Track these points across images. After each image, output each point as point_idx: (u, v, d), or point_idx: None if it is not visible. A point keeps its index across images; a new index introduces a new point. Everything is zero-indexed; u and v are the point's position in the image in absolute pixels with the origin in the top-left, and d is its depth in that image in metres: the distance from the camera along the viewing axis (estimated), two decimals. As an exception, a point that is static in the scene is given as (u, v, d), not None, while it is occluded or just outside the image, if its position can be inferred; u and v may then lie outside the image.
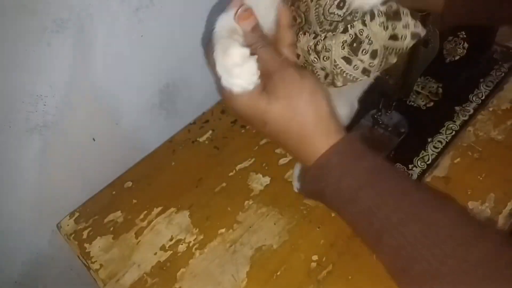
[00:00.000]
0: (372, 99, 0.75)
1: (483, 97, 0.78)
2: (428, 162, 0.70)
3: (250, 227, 0.66)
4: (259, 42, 0.41)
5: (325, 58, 0.44)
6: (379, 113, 0.75)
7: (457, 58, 0.80)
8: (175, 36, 0.72)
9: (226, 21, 0.42)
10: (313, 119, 0.40)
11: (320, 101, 0.41)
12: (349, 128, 0.76)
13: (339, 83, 0.45)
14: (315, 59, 0.45)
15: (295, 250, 0.63)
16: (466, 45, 0.78)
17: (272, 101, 0.40)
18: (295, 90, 0.40)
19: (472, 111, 0.76)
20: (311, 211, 0.67)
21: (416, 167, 0.70)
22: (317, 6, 0.42)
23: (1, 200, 0.65)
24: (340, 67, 0.44)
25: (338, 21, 0.42)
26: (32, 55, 0.55)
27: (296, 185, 0.69)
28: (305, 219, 0.66)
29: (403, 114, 0.77)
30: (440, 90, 0.80)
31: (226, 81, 0.40)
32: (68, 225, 0.70)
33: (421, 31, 0.45)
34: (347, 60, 0.44)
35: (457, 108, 0.77)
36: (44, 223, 0.72)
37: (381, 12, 0.42)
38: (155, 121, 0.80)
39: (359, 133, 0.42)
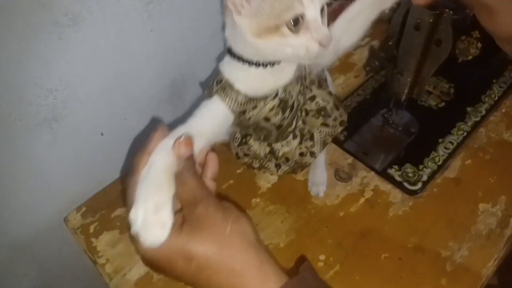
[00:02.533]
0: (383, 98, 0.74)
1: (496, 98, 0.77)
2: (438, 163, 0.69)
3: (257, 225, 0.66)
4: (191, 170, 0.41)
5: (284, 159, 0.56)
6: (390, 113, 0.74)
7: (470, 58, 0.79)
8: (184, 31, 0.72)
9: (163, 156, 0.41)
10: (241, 246, 0.38)
11: (246, 227, 0.40)
12: (359, 126, 0.76)
13: (299, 171, 0.58)
14: (271, 160, 0.57)
15: (302, 249, 0.63)
16: (479, 44, 0.77)
17: (196, 234, 0.38)
18: (219, 220, 0.39)
19: (484, 112, 0.75)
20: (319, 211, 0.67)
21: (427, 168, 0.69)
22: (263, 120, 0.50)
23: (10, 192, 0.65)
24: (298, 162, 0.57)
25: (288, 131, 0.54)
26: (43, 49, 0.55)
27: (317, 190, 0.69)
28: (313, 218, 0.66)
29: (414, 114, 0.76)
30: (452, 90, 0.79)
31: (141, 232, 0.37)
32: (75, 219, 0.71)
33: (346, 118, 0.57)
34: (302, 154, 0.56)
35: (468, 108, 0.76)
36: (51, 216, 0.72)
37: (312, 110, 0.54)
38: (163, 117, 0.80)
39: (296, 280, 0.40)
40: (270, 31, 0.40)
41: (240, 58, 0.45)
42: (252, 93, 0.47)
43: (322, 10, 0.41)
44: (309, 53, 0.41)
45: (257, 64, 0.45)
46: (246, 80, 0.46)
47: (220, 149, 0.77)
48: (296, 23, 0.39)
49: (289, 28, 0.39)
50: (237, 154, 0.58)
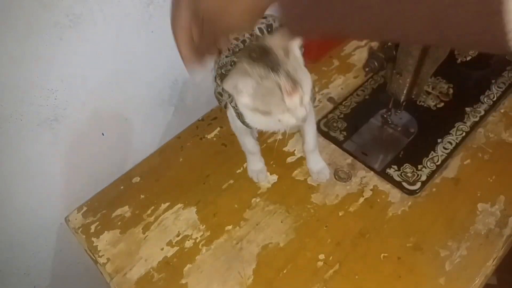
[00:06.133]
0: (382, 99, 0.75)
1: (495, 98, 0.77)
2: (437, 163, 0.70)
3: (257, 224, 0.66)
4: None
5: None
6: (389, 113, 0.74)
7: (468, 58, 0.80)
8: (185, 32, 0.72)
9: None
10: None
11: None
12: (359, 126, 0.76)
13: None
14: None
15: (302, 248, 0.63)
16: (478, 45, 0.77)
17: None
18: None
19: (483, 112, 0.76)
20: (318, 210, 0.67)
21: (426, 167, 0.69)
22: None
23: (11, 192, 0.65)
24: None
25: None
26: (44, 49, 0.56)
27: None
28: (312, 218, 0.66)
29: (413, 114, 0.76)
30: (451, 90, 0.80)
31: None
32: (76, 219, 0.71)
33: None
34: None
35: (467, 109, 0.76)
36: (52, 216, 0.73)
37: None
38: (164, 117, 0.80)
39: None
40: (262, 112, 0.51)
41: None
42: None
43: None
44: (288, 123, 0.51)
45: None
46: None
47: (219, 149, 0.78)
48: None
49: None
50: (215, 96, 0.66)
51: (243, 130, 0.66)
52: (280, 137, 0.64)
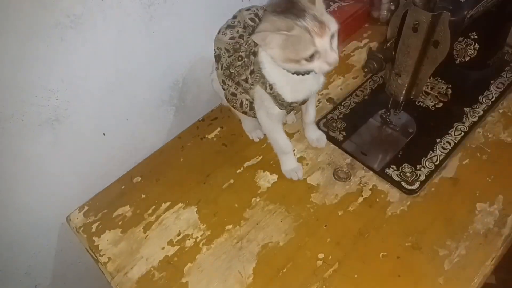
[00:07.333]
0: (381, 99, 0.75)
1: (493, 99, 0.78)
2: (436, 163, 0.70)
3: (257, 224, 0.67)
4: None
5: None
6: (388, 113, 0.75)
7: (467, 59, 0.80)
8: (186, 33, 0.73)
9: None
10: None
11: None
12: (358, 126, 0.77)
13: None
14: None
15: (301, 247, 0.63)
16: (477, 46, 0.78)
17: None
18: None
19: (481, 112, 0.76)
20: (318, 210, 0.67)
21: (424, 167, 0.70)
22: None
23: (13, 192, 0.66)
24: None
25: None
26: (45, 50, 0.56)
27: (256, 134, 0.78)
28: (312, 217, 0.67)
29: (412, 115, 0.77)
30: (450, 91, 0.80)
31: None
32: (77, 218, 0.71)
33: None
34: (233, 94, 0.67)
35: (466, 109, 0.77)
36: (53, 216, 0.73)
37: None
38: (165, 118, 0.81)
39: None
40: (293, 61, 0.54)
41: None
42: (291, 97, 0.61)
43: (332, 37, 0.53)
44: (321, 70, 0.55)
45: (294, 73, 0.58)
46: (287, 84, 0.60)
47: (219, 149, 0.78)
48: (312, 55, 0.53)
49: (305, 60, 0.53)
50: (227, 98, 0.69)
51: (277, 123, 0.67)
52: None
